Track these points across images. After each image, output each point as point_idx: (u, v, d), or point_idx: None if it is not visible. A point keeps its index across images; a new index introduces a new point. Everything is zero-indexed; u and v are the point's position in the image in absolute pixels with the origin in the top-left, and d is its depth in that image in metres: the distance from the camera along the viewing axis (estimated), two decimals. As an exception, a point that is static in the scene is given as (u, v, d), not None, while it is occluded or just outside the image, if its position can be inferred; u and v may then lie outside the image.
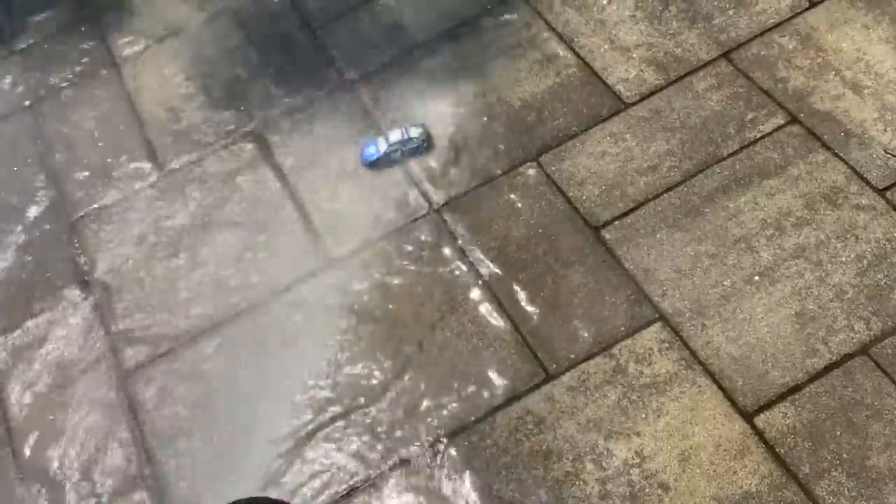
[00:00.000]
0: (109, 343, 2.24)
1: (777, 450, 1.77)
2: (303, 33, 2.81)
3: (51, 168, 2.65)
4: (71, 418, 2.14)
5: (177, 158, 2.58)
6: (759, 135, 2.22)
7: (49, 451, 2.11)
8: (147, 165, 2.59)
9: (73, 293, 2.35)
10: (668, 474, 1.79)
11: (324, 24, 2.81)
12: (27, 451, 2.11)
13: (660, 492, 1.78)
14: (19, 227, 2.53)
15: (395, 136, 2.40)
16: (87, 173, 2.61)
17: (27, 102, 2.86)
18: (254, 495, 0.81)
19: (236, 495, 1.94)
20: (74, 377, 2.20)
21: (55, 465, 2.09)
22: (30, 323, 2.32)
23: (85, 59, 2.94)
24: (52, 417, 2.15)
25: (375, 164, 2.41)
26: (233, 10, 2.94)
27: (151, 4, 3.04)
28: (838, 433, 1.77)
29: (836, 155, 2.14)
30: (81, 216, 2.51)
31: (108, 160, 2.63)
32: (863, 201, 2.06)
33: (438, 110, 2.50)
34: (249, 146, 2.56)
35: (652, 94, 2.37)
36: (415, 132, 2.40)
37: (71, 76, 2.90)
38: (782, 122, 2.23)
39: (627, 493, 1.79)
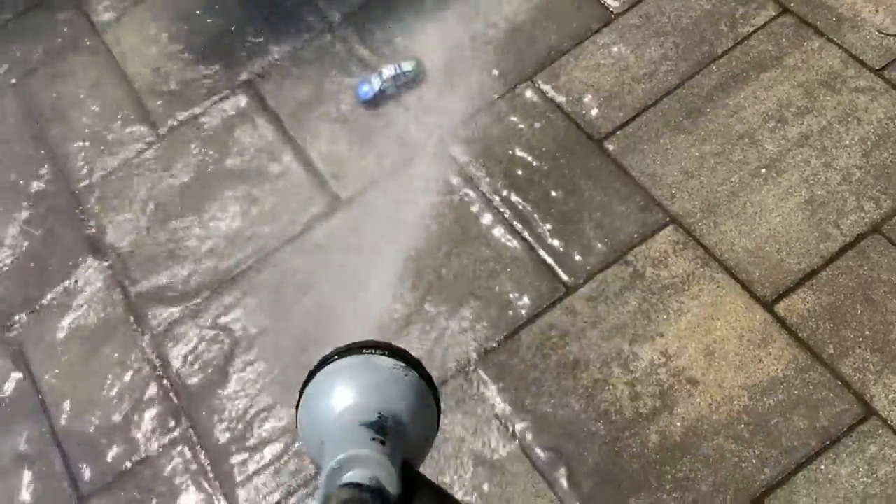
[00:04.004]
0: (130, 305, 2.26)
1: (800, 334, 1.81)
2: (280, -21, 2.77)
3: (47, 142, 2.64)
4: (102, 383, 2.17)
5: (171, 118, 2.57)
6: (751, 29, 2.21)
7: (84, 418, 2.14)
8: (143, 128, 2.57)
9: (87, 261, 2.36)
10: (695, 370, 1.83)
11: (300, -33, 2.77)
12: (63, 421, 2.14)
13: (689, 387, 1.81)
14: (24, 203, 2.52)
15: (388, 71, 2.38)
16: (84, 143, 2.60)
17: (13, 80, 2.82)
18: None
19: (270, 439, 2.00)
20: (100, 342, 2.22)
21: (91, 430, 2.12)
22: (49, 294, 2.33)
23: (65, 30, 2.89)
24: (82, 384, 2.18)
25: (372, 102, 2.40)
26: (207, -37, 2.89)
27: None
28: (858, 312, 1.80)
29: (831, 40, 2.13)
30: (84, 185, 2.50)
31: (104, 127, 2.61)
32: (861, 83, 2.06)
33: (427, 42, 2.47)
34: (242, 98, 2.55)
35: (640, 0, 2.35)
36: (407, 66, 2.38)
37: (53, 49, 2.86)
38: (773, 13, 2.22)
39: (657, 392, 1.82)
